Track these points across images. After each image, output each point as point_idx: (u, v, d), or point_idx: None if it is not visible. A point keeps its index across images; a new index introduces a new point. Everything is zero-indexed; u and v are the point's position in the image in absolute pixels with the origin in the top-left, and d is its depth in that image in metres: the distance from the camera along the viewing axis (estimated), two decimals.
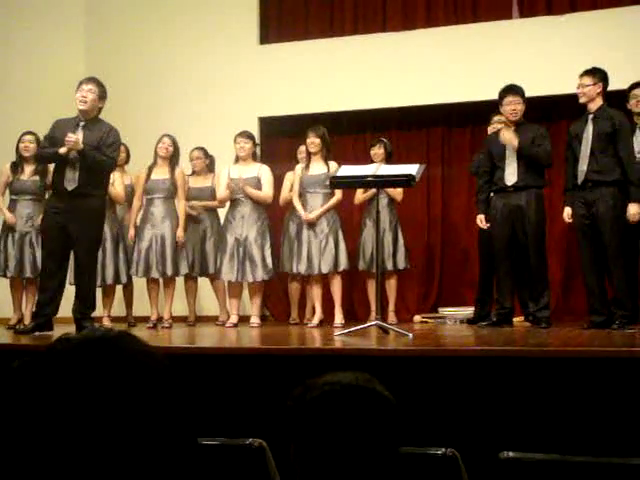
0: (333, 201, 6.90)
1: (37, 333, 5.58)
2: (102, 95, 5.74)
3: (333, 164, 6.76)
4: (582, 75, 5.90)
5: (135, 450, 1.05)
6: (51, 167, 6.69)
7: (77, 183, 5.55)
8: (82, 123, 5.68)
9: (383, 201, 6.98)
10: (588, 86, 5.83)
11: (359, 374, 1.51)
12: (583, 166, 5.80)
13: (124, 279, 7.19)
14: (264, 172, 7.04)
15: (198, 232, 7.28)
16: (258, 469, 2.27)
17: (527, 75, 6.95)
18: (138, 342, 1.13)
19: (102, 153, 5.62)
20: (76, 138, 5.50)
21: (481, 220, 6.37)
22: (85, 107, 5.67)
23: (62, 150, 5.50)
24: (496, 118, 6.74)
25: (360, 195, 7.30)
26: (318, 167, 6.85)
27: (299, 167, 7.07)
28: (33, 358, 1.70)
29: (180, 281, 7.27)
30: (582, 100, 5.88)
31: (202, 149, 7.48)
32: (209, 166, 7.49)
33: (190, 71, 8.60)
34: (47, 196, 6.96)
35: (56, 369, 1.07)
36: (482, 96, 7.49)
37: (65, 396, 1.04)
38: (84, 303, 5.71)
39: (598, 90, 5.83)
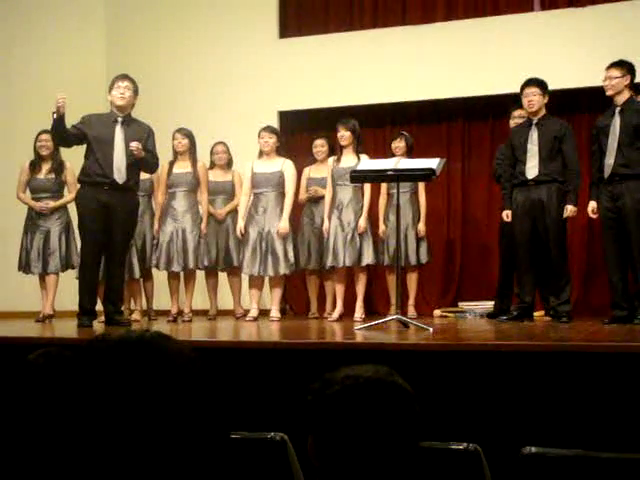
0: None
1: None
2: (136, 91, 6.03)
3: (364, 157, 6.74)
4: (609, 67, 5.82)
5: (167, 447, 1.06)
6: (71, 161, 6.78)
7: (126, 177, 5.82)
8: (120, 119, 5.90)
9: (405, 196, 6.97)
10: (616, 78, 5.76)
11: (379, 367, 1.50)
12: (610, 159, 5.74)
13: (137, 273, 7.18)
14: (287, 168, 7.03)
15: (221, 228, 7.31)
16: (280, 463, 2.27)
17: (548, 68, 6.91)
18: (174, 343, 1.14)
19: (151, 153, 5.97)
20: (139, 146, 5.78)
21: (507, 215, 6.31)
22: (124, 103, 5.94)
23: (57, 105, 5.59)
24: (516, 113, 6.70)
25: (383, 189, 7.30)
26: (349, 160, 6.80)
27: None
28: (49, 350, 1.71)
29: (200, 275, 7.29)
30: (609, 93, 5.81)
31: (225, 144, 7.49)
32: (229, 162, 7.51)
33: (210, 65, 8.62)
34: (65, 192, 7.04)
35: (92, 367, 1.08)
36: (502, 89, 7.47)
37: (100, 394, 1.04)
38: (117, 296, 6.01)
39: (626, 82, 5.76)
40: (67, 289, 6.96)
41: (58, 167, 7.04)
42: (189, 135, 7.17)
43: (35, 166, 7.11)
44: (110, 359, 1.07)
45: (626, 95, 5.79)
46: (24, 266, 7.05)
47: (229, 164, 7.48)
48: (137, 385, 1.05)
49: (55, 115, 5.60)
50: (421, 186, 7.23)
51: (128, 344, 1.10)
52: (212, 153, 7.48)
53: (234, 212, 7.35)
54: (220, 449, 1.11)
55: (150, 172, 6.41)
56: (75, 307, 6.08)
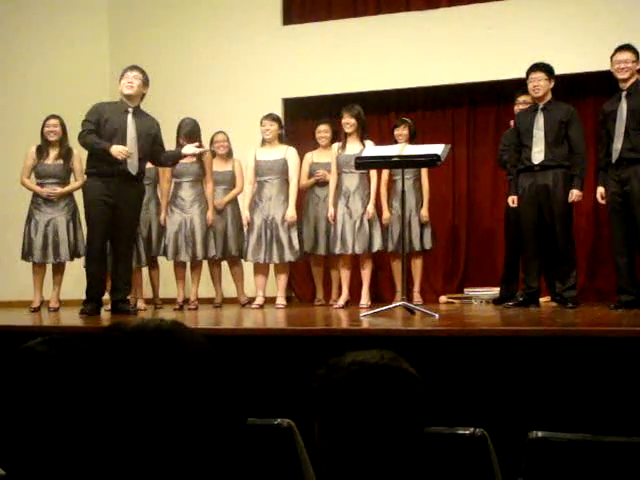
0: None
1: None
2: (145, 82, 6.06)
3: (369, 143, 6.72)
4: (621, 51, 5.76)
5: (184, 437, 1.06)
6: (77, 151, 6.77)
7: (138, 169, 5.90)
8: (130, 109, 5.94)
9: (408, 182, 6.96)
10: (632, 62, 5.72)
11: (384, 352, 1.50)
12: (617, 144, 5.71)
13: (143, 262, 7.17)
14: (291, 155, 7.02)
15: (221, 217, 7.28)
16: (286, 449, 2.27)
17: (554, 53, 6.87)
18: (191, 334, 1.14)
19: (161, 146, 6.18)
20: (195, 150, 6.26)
21: (513, 201, 6.29)
22: (132, 92, 5.96)
23: (114, 152, 5.69)
24: (521, 98, 6.68)
25: (385, 176, 7.28)
26: (354, 147, 6.76)
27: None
28: (52, 336, 1.71)
29: (205, 263, 7.29)
30: (625, 76, 5.74)
31: (225, 133, 7.46)
32: (230, 151, 7.46)
33: (213, 53, 8.59)
34: (72, 180, 7.00)
35: (108, 356, 1.07)
36: (507, 75, 7.43)
37: (117, 384, 1.04)
38: (124, 285, 6.02)
39: (638, 67, 5.75)
40: (71, 278, 6.97)
41: (66, 153, 6.97)
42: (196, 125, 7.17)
43: (42, 151, 6.97)
44: (127, 348, 1.07)
45: (633, 79, 5.76)
46: (27, 254, 6.94)
47: (229, 154, 7.43)
48: (154, 374, 1.05)
49: (113, 151, 5.69)
50: (424, 172, 7.22)
51: (145, 333, 1.10)
52: (212, 142, 7.44)
53: (234, 201, 7.34)
54: (236, 437, 1.11)
55: (172, 166, 6.67)
56: (80, 296, 6.09)
